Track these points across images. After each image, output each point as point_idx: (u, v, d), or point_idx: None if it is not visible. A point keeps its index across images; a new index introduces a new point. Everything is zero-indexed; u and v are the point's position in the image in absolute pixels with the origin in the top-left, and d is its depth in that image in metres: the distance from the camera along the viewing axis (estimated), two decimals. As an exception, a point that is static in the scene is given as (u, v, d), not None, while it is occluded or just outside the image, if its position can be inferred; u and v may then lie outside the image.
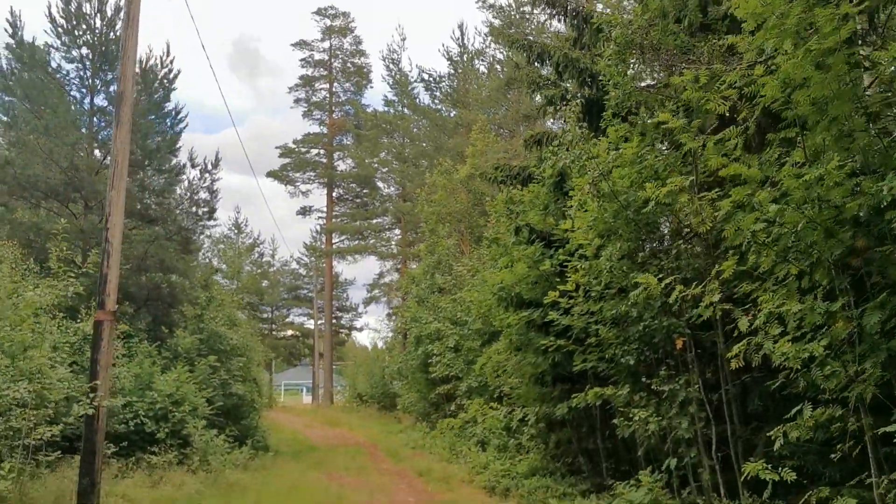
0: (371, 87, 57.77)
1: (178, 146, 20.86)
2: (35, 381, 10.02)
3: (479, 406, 15.47)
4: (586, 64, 14.99)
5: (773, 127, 7.63)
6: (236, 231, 65.73)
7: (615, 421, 10.62)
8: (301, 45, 54.99)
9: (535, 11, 25.83)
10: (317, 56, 55.19)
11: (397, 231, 49.66)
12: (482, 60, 38.65)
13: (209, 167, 20.54)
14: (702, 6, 10.67)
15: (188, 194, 20.51)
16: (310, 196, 55.55)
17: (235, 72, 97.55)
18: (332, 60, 55.27)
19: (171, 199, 20.46)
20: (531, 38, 19.86)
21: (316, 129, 55.22)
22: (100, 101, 20.45)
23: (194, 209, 20.61)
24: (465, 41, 39.96)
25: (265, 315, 67.90)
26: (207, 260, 22.95)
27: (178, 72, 20.71)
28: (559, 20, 17.06)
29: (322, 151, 54.80)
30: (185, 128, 21.28)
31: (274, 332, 69.57)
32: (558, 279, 12.26)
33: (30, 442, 9.90)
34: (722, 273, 7.39)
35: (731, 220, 7.01)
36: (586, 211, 10.63)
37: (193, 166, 20.55)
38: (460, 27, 40.50)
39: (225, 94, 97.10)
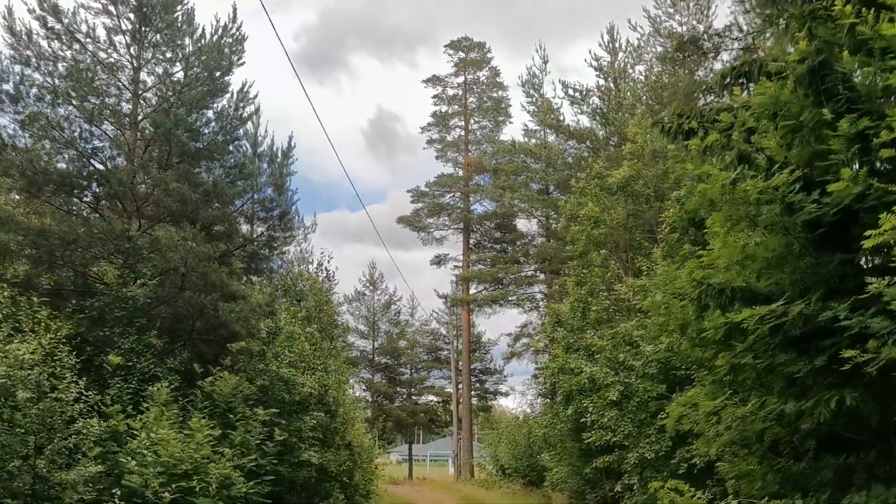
0: (510, 123, 52.17)
1: (238, 136, 15.94)
2: None
3: (674, 496, 8.76)
4: None
5: None
6: (371, 287, 61.87)
7: None
8: (433, 80, 50.89)
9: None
10: (450, 92, 50.87)
11: (541, 276, 43.30)
12: (639, 61, 32.34)
13: (279, 156, 15.41)
14: None
15: (251, 195, 15.42)
16: (444, 244, 50.17)
17: (373, 149, 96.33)
18: (467, 96, 50.71)
19: (228, 201, 15.45)
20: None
21: (450, 170, 50.51)
22: (149, 79, 15.98)
23: (260, 212, 15.46)
24: (617, 46, 33.87)
25: (404, 377, 63.01)
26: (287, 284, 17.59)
27: (246, 37, 15.93)
28: None
29: (457, 194, 49.82)
30: (254, 113, 16.41)
31: (413, 397, 64.36)
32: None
33: None
34: None
35: None
36: None
37: (258, 157, 15.51)
38: (610, 31, 34.53)
39: (363, 172, 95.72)
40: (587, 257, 23.26)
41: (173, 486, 9.25)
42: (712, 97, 22.68)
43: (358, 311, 60.50)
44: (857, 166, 6.49)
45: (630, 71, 33.73)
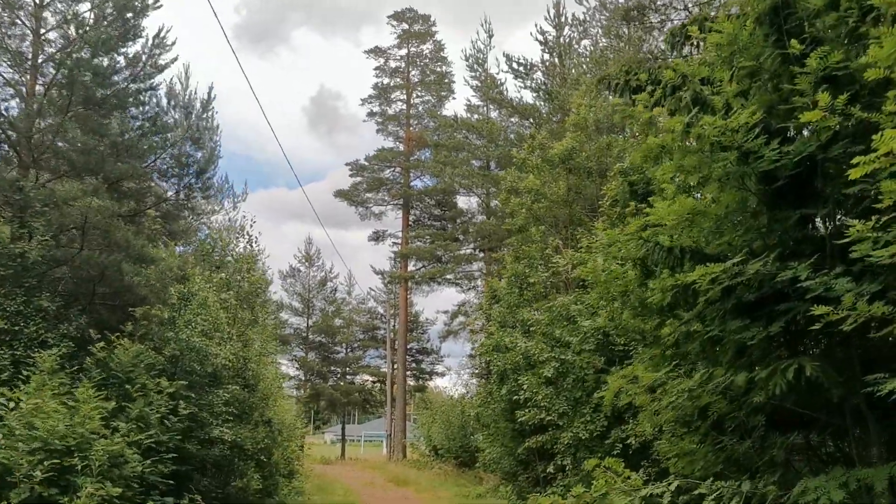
0: (453, 99, 51.22)
1: (154, 85, 14.61)
2: None
3: (609, 477, 8.07)
4: None
5: None
6: (307, 264, 60.42)
7: None
8: (375, 52, 49.53)
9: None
10: (392, 64, 49.58)
11: (480, 254, 42.60)
12: (585, 35, 31.66)
13: (198, 108, 14.14)
14: None
15: (166, 147, 14.13)
16: (383, 219, 49.08)
17: (315, 128, 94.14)
18: (410, 68, 49.49)
19: (140, 155, 14.12)
20: None
21: (391, 144, 49.31)
22: (53, 19, 14.47)
23: (175, 168, 14.18)
24: (563, 20, 33.13)
25: (339, 356, 61.79)
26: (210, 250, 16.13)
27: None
28: None
29: (397, 169, 48.66)
30: (172, 62, 15.06)
31: (348, 377, 63.23)
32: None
33: None
34: None
35: None
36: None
37: (174, 108, 14.21)
38: (556, 5, 33.73)
39: (304, 150, 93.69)
40: (527, 232, 22.56)
41: (46, 463, 8.09)
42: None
43: (293, 288, 59.11)
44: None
45: (575, 46, 33.13)
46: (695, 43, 10.88)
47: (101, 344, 10.80)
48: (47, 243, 11.81)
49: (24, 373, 9.83)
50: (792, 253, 6.39)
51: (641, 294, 8.09)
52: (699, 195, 7.29)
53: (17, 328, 11.17)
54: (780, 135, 6.44)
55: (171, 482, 10.84)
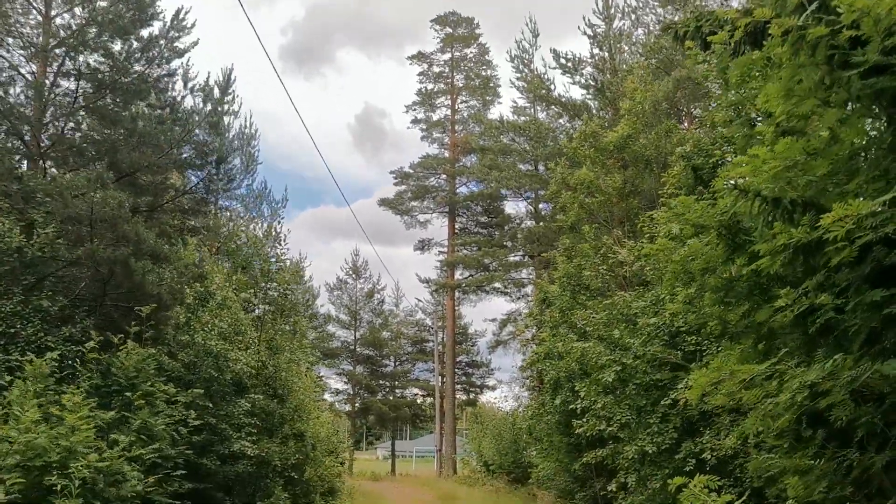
0: (499, 103, 49.67)
1: (172, 71, 13.50)
2: None
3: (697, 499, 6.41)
4: None
5: None
6: (353, 276, 59.38)
7: None
8: (419, 57, 48.40)
9: None
10: (436, 69, 48.38)
11: (529, 260, 40.90)
12: (638, 24, 29.93)
13: (213, 91, 12.96)
14: None
15: (185, 137, 12.96)
16: (428, 228, 47.78)
17: (360, 146, 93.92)
18: (454, 73, 48.24)
19: (155, 143, 12.97)
20: None
21: (435, 151, 48.05)
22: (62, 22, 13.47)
23: (195, 159, 13.00)
24: (612, 12, 31.45)
25: (387, 369, 60.56)
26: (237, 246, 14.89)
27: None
28: None
29: (442, 177, 47.35)
30: (192, 46, 13.96)
31: (397, 390, 61.97)
32: None
33: None
34: None
35: None
36: None
37: (190, 91, 13.07)
38: (604, -3, 32.11)
39: (351, 167, 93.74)
40: (580, 231, 20.91)
41: (10, 484, 6.81)
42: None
43: (340, 300, 58.06)
44: None
45: (627, 40, 31.41)
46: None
47: (92, 344, 9.54)
48: (48, 237, 10.68)
49: (8, 378, 8.63)
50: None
51: (727, 272, 6.54)
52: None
53: (13, 331, 10.04)
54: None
55: (179, 502, 9.53)
